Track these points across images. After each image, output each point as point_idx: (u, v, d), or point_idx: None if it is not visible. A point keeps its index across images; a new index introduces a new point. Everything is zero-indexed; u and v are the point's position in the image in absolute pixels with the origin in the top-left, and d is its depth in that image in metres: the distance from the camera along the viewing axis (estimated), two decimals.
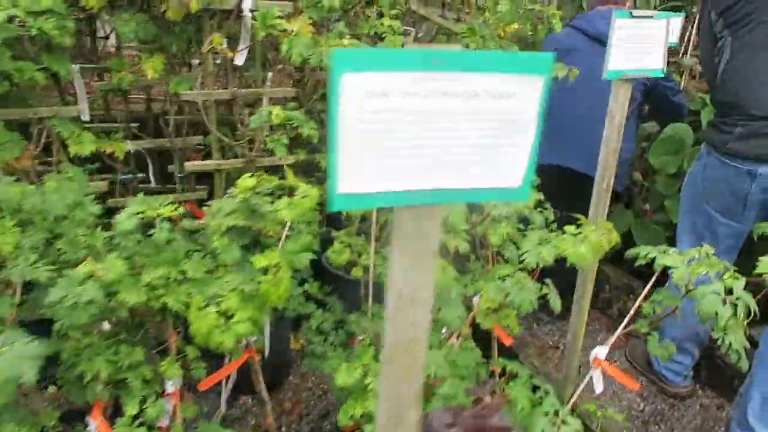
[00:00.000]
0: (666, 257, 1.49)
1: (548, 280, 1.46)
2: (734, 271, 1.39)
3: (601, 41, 2.59)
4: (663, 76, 2.66)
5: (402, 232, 0.62)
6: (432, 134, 0.58)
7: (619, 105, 1.50)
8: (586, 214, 2.97)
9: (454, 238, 1.40)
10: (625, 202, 3.20)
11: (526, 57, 0.59)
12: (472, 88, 0.58)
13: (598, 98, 2.67)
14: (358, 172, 0.57)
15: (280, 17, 1.73)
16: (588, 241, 1.10)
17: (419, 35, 2.39)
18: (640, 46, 1.46)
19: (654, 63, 1.50)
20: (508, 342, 1.92)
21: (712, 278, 1.36)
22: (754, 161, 1.93)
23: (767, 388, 2.12)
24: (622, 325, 1.62)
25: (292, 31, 1.74)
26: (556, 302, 1.33)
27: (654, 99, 2.81)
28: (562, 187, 3.01)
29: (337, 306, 1.93)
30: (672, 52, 3.62)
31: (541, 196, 2.39)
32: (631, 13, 1.39)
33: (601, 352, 1.67)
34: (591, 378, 1.71)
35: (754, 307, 1.30)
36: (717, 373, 2.66)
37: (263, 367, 1.62)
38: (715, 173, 2.10)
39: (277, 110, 1.68)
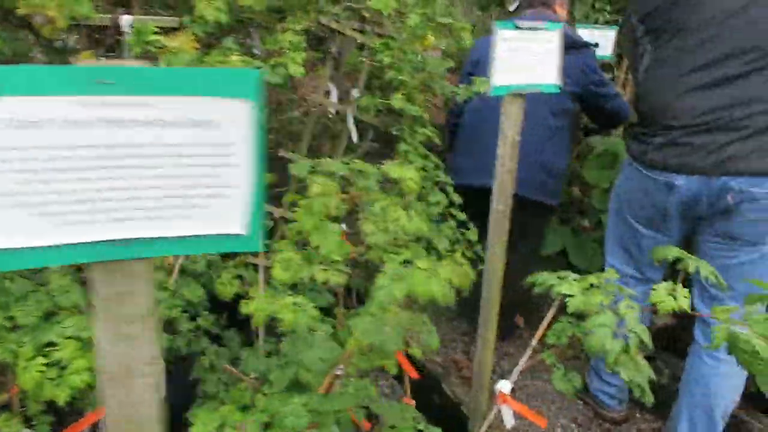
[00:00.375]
0: (563, 284, 1.39)
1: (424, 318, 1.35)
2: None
3: None
4: (595, 82, 2.64)
5: (100, 295, 0.50)
6: (109, 174, 0.46)
7: (511, 122, 1.41)
8: (520, 236, 2.92)
9: (326, 271, 1.28)
10: (562, 218, 3.13)
11: (226, 75, 0.47)
12: (159, 115, 0.46)
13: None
14: (6, 223, 0.45)
15: (158, 33, 1.60)
16: (438, 278, 0.99)
17: (331, 50, 2.28)
18: (529, 59, 1.37)
19: (547, 77, 1.41)
20: (413, 375, 1.81)
21: (606, 308, 1.27)
22: (672, 172, 1.86)
23: (694, 412, 2.04)
24: (525, 356, 1.52)
25: (174, 48, 1.61)
26: (431, 339, 1.21)
27: (587, 107, 2.75)
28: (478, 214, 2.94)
29: (234, 340, 1.79)
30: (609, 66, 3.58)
31: (463, 216, 2.31)
32: (516, 24, 1.30)
33: (504, 386, 1.57)
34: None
35: (647, 340, 1.21)
36: (656, 396, 2.57)
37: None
38: (636, 185, 2.03)
39: None
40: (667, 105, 1.85)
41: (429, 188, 2.23)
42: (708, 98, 1.76)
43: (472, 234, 2.33)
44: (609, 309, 1.25)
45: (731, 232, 1.86)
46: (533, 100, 2.56)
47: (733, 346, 1.11)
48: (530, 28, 1.30)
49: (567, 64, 2.54)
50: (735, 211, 1.80)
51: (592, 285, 1.39)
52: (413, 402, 1.93)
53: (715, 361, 2.01)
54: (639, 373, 1.22)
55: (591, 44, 2.53)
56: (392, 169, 1.39)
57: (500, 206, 1.49)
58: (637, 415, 2.59)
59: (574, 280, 1.43)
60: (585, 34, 2.71)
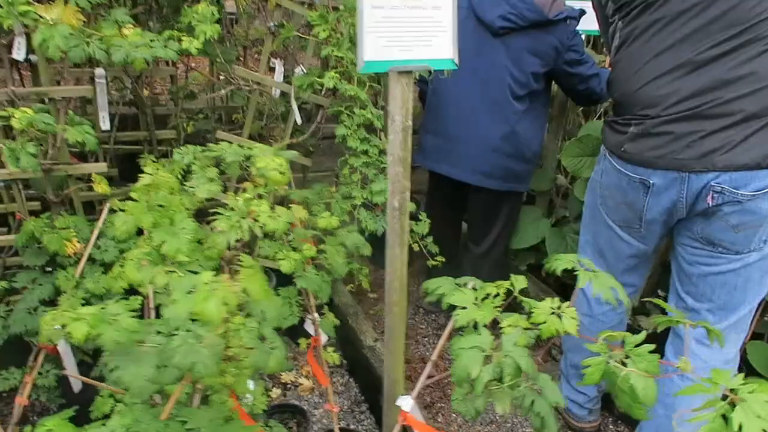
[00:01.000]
0: (455, 295, 1.19)
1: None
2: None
3: (483, 21, 2.29)
4: (569, 61, 2.36)
5: None
6: None
7: (398, 105, 1.20)
8: (484, 227, 2.69)
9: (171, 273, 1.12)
10: (543, 209, 2.88)
11: None
12: None
13: (477, 86, 2.37)
14: None
15: (30, 2, 1.46)
16: (216, 297, 0.82)
17: (269, 25, 2.09)
18: (413, 28, 1.16)
19: (440, 51, 1.19)
20: (324, 383, 1.65)
21: (480, 327, 1.06)
22: (648, 167, 1.60)
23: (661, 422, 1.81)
24: (424, 374, 1.33)
25: (52, 20, 1.47)
26: (264, 360, 1.04)
27: (560, 86, 2.49)
28: (448, 196, 2.72)
29: None
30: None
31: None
32: None
33: (404, 403, 1.38)
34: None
35: (525, 365, 1.00)
36: None
37: None
38: (612, 180, 1.78)
39: (19, 113, 1.42)
40: (640, 89, 1.59)
41: (372, 176, 2.05)
42: (689, 80, 1.49)
43: (422, 227, 2.13)
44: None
45: (711, 238, 1.60)
46: (486, 83, 2.33)
47: (611, 384, 0.90)
48: None
49: (537, 42, 2.29)
50: (715, 214, 1.55)
51: (488, 295, 1.19)
52: (336, 408, 1.77)
53: (684, 381, 1.77)
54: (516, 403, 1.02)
55: (573, 16, 2.25)
56: (259, 158, 1.21)
57: (395, 202, 1.29)
58: (610, 426, 2.37)
59: (474, 288, 1.23)
60: (575, 3, 2.42)
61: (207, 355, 0.94)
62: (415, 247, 2.08)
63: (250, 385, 1.48)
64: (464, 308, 1.15)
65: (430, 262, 2.12)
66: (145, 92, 2.23)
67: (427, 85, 2.61)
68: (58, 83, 1.72)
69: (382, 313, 3.00)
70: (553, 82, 2.45)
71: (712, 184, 1.49)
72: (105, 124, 2.16)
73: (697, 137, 1.49)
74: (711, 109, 1.47)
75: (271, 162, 1.20)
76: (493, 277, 2.71)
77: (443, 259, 2.15)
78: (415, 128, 3.31)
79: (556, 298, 1.03)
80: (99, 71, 2.06)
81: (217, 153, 1.44)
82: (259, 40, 2.52)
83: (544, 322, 0.98)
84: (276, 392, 2.33)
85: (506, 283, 1.20)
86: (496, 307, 1.14)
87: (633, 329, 2.42)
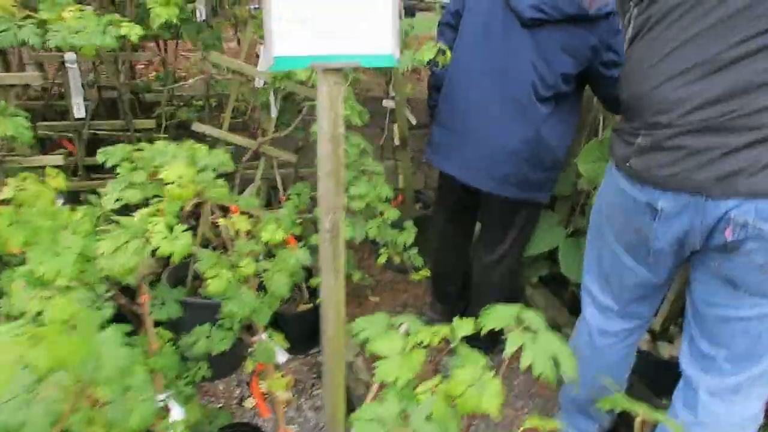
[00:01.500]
0: (381, 341, 0.99)
1: None
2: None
3: (512, 8, 1.98)
4: (606, 62, 2.07)
5: None
6: None
7: (325, 109, 0.99)
8: (498, 234, 2.44)
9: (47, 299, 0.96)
10: (561, 216, 2.60)
11: None
12: None
13: (497, 81, 2.09)
14: None
15: None
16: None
17: (250, 7, 1.91)
18: (342, 17, 0.94)
19: (377, 44, 0.97)
20: (264, 414, 1.47)
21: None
22: (655, 187, 1.34)
23: None
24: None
25: None
26: (141, 414, 0.86)
27: (592, 88, 2.19)
28: (459, 197, 2.45)
29: None
30: None
31: (394, 214, 1.89)
32: None
33: None
34: None
35: None
36: None
37: None
38: (616, 199, 1.52)
39: None
40: (651, 92, 1.32)
41: (351, 178, 1.85)
42: (711, 82, 1.21)
43: (406, 235, 1.92)
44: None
45: (731, 277, 1.32)
46: (508, 79, 2.05)
47: None
48: None
49: (572, 39, 1.97)
50: (737, 250, 1.27)
51: (421, 343, 0.98)
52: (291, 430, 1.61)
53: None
54: None
55: (613, 11, 1.94)
56: (166, 170, 1.03)
57: (327, 223, 1.09)
58: None
59: (407, 332, 1.02)
60: None
61: (40, 414, 0.77)
62: (397, 259, 1.87)
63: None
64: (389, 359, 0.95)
65: (414, 276, 1.91)
66: (123, 78, 2.09)
67: (437, 87, 2.33)
68: (7, 69, 1.59)
69: None
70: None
71: (733, 214, 1.22)
72: (79, 112, 2.04)
73: (717, 154, 1.22)
74: (735, 120, 1.19)
75: (173, 172, 1.02)
76: (502, 287, 2.49)
77: (427, 273, 1.93)
78: (423, 123, 3.08)
79: (484, 362, 0.82)
80: (69, 56, 1.93)
81: (150, 154, 1.27)
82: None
83: (462, 395, 0.77)
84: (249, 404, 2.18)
85: (444, 330, 0.99)
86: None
87: (651, 359, 2.14)
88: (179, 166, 1.03)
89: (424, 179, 3.66)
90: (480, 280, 2.51)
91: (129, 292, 1.34)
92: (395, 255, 1.86)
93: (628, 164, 1.40)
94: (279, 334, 1.48)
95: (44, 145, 2.28)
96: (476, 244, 2.62)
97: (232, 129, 2.15)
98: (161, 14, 1.55)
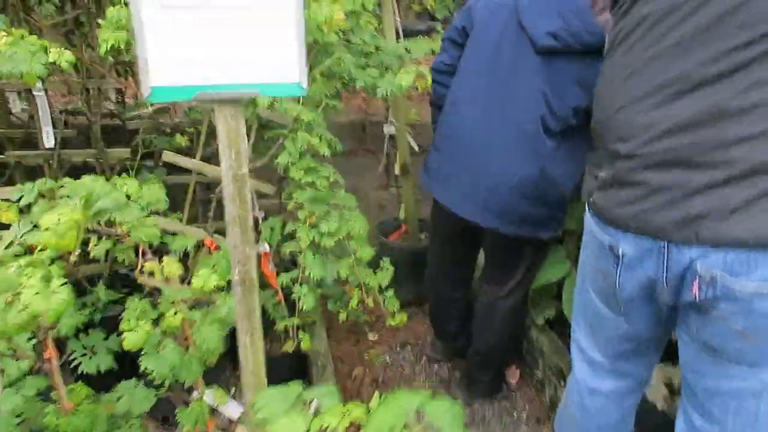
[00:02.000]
0: (282, 422, 0.82)
1: None
2: None
3: (527, 32, 1.80)
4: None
5: None
6: None
7: (224, 145, 0.85)
8: (501, 271, 2.23)
9: None
10: (570, 248, 2.39)
11: None
12: None
13: (502, 109, 1.91)
14: None
15: None
16: None
17: None
18: (238, 40, 0.80)
19: (280, 72, 0.83)
20: None
21: None
22: (616, 228, 1.15)
23: None
24: None
25: None
26: None
27: None
28: (456, 228, 2.24)
29: None
30: None
31: (368, 254, 1.73)
32: None
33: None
34: None
35: None
36: None
37: None
38: (587, 238, 1.33)
39: None
40: (613, 116, 1.14)
41: (322, 214, 1.70)
42: (678, 106, 1.01)
43: (381, 275, 1.76)
44: None
45: (711, 343, 1.10)
46: (514, 107, 1.84)
47: None
48: None
49: (590, 72, 1.69)
50: (710, 312, 1.05)
51: (326, 428, 0.81)
52: None
53: None
54: None
55: None
56: (46, 213, 0.91)
57: (237, 275, 0.94)
58: None
59: (316, 411, 0.85)
60: None
61: None
62: (369, 303, 1.70)
63: None
64: None
65: (390, 321, 1.74)
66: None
67: (443, 87, 2.11)
68: None
69: (369, 364, 2.63)
70: None
71: (699, 266, 1.01)
72: (48, 141, 1.97)
73: (680, 193, 1.01)
74: (703, 153, 0.99)
75: (50, 218, 0.89)
76: (505, 327, 2.27)
77: (404, 318, 1.75)
78: (424, 147, 2.92)
79: None
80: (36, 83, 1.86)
81: (69, 191, 1.15)
82: None
83: None
84: None
85: (358, 411, 0.82)
86: None
87: (667, 418, 1.90)
88: (64, 209, 0.90)
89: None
90: (482, 317, 2.31)
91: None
92: (368, 299, 1.68)
93: (591, 199, 1.22)
94: (220, 391, 1.33)
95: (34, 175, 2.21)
96: (479, 279, 2.43)
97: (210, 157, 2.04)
98: (108, 39, 1.45)
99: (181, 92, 0.80)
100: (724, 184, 0.96)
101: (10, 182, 2.22)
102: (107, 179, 1.84)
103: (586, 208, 1.29)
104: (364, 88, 1.80)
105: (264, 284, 1.81)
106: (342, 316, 1.94)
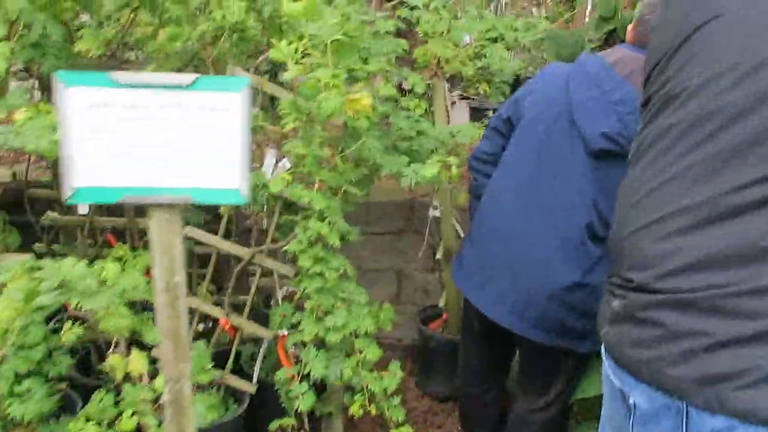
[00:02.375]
0: None
1: None
2: None
3: (580, 131, 1.66)
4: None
5: None
6: None
7: (158, 250, 0.77)
8: (539, 381, 1.99)
9: None
10: None
11: None
12: None
13: (547, 211, 1.75)
14: None
15: None
16: None
17: None
18: (175, 142, 0.73)
19: (220, 177, 0.75)
20: None
21: None
22: (628, 372, 0.95)
23: None
24: None
25: None
26: None
27: None
28: (489, 329, 2.02)
29: None
30: None
31: None
32: (113, 79, 0.69)
33: None
34: None
35: None
36: None
37: None
38: (602, 374, 1.13)
39: None
40: (628, 239, 0.97)
41: (329, 306, 1.59)
42: (704, 235, 0.84)
43: (388, 380, 1.60)
44: None
45: None
46: (558, 211, 1.68)
47: None
48: (147, 86, 0.68)
49: None
50: None
51: None
52: None
53: None
54: None
55: None
56: None
57: (169, 395, 0.83)
58: None
59: None
60: None
61: None
62: (372, 410, 1.54)
63: None
64: None
65: None
66: None
67: (484, 176, 1.97)
68: None
69: None
70: None
71: None
72: (83, 208, 2.01)
73: (701, 344, 0.82)
74: (731, 298, 0.80)
75: None
76: None
77: (409, 430, 1.56)
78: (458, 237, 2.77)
79: None
80: None
81: (45, 273, 1.12)
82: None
83: None
84: None
85: None
86: None
87: None
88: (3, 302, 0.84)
89: None
90: (515, 429, 2.08)
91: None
92: (369, 406, 1.52)
93: (603, 332, 1.03)
94: None
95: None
96: (514, 384, 2.20)
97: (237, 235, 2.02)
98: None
99: (106, 194, 0.73)
100: (755, 340, 0.76)
101: (55, 241, 2.28)
102: (134, 249, 1.84)
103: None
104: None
105: None
106: (354, 408, 1.78)
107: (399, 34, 3.23)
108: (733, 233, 0.80)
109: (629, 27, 1.70)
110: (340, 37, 1.45)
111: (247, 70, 1.84)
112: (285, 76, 1.44)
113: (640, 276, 0.91)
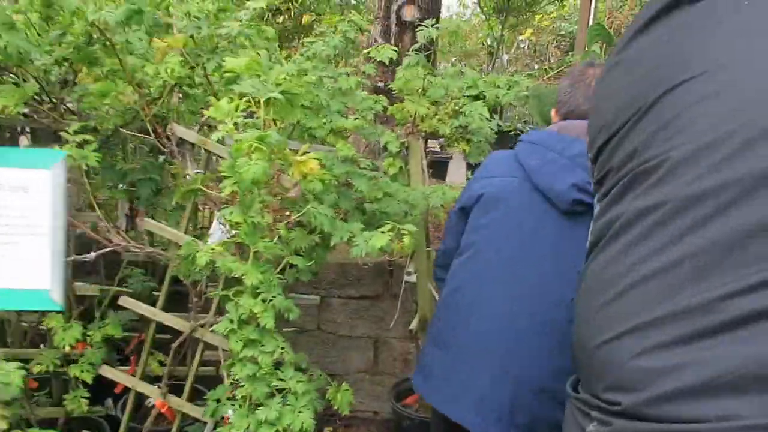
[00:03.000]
0: None
1: None
2: None
3: (545, 193, 1.52)
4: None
5: None
6: None
7: None
8: None
9: None
10: None
11: None
12: None
13: (524, 299, 1.55)
14: None
15: None
16: None
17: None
18: None
19: (26, 277, 0.58)
20: None
21: None
22: None
23: None
24: None
25: None
26: None
27: None
28: None
29: None
30: None
31: None
32: None
33: None
34: None
35: None
36: None
37: None
38: None
39: None
40: (602, 349, 0.77)
41: (262, 396, 1.39)
42: (710, 349, 0.65)
43: None
44: None
45: None
46: (541, 290, 1.49)
47: None
48: None
49: None
50: None
51: None
52: None
53: None
54: None
55: None
56: None
57: None
58: None
59: None
60: None
61: None
62: None
63: None
64: None
65: None
66: None
67: (443, 269, 1.81)
68: None
69: None
70: None
71: None
72: None
73: None
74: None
75: None
76: None
77: None
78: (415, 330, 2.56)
79: None
80: None
81: None
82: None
83: None
84: None
85: None
86: None
87: None
88: None
89: None
90: None
91: None
92: None
93: None
94: None
95: None
96: None
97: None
98: None
99: None
100: None
101: None
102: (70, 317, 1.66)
103: None
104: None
105: None
106: None
107: (378, 90, 3.14)
108: (749, 347, 0.61)
109: (552, 114, 1.63)
110: (275, 95, 1.30)
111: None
112: (213, 137, 1.29)
113: (628, 399, 0.71)
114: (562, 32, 9.90)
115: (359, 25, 1.86)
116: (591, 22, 5.80)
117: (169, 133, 1.58)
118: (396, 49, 2.13)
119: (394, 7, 3.51)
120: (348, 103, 1.97)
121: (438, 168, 5.56)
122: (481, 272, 1.60)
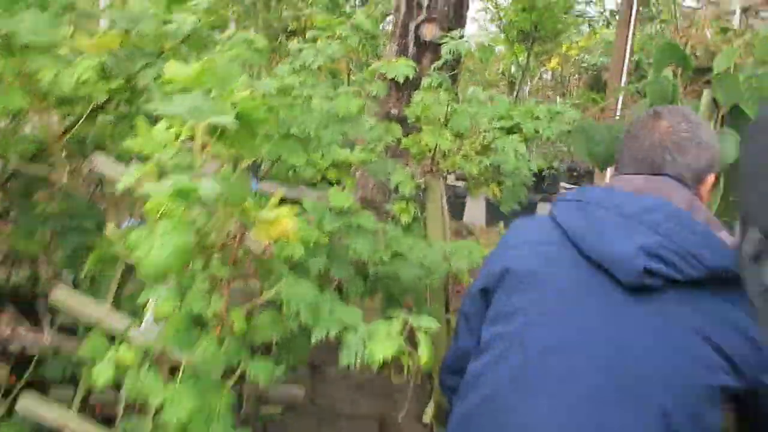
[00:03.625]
0: None
1: None
2: None
3: (600, 261, 0.99)
4: None
5: None
6: None
7: None
8: None
9: None
10: None
11: None
12: None
13: (582, 414, 1.01)
14: None
15: None
16: None
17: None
18: None
19: None
20: None
21: None
22: None
23: None
24: None
25: None
26: None
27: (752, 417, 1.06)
28: None
29: None
30: None
31: None
32: None
33: None
34: None
35: None
36: None
37: None
38: None
39: None
40: None
41: None
42: None
43: None
44: None
45: None
46: (604, 402, 0.94)
47: None
48: None
49: (714, 317, 0.92)
50: None
51: None
52: None
53: None
54: None
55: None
56: None
57: None
58: None
59: None
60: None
61: None
62: None
63: None
64: None
65: None
66: None
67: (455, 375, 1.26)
68: None
69: None
70: None
71: None
72: None
73: None
74: None
75: None
76: None
77: None
78: None
79: None
80: None
81: None
82: None
83: None
84: None
85: None
86: None
87: None
88: None
89: None
90: None
91: None
92: None
93: None
94: None
95: None
96: None
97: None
98: None
99: None
100: None
101: None
102: None
103: None
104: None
105: None
106: None
107: (390, 117, 2.67)
108: None
109: None
110: (221, 119, 0.81)
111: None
112: (118, 186, 0.81)
113: None
114: (584, 64, 9.50)
115: (366, 30, 1.37)
116: (627, 53, 5.34)
117: (83, 166, 1.10)
118: (414, 65, 1.65)
119: (413, 25, 3.06)
120: (348, 132, 1.47)
121: (453, 204, 5.06)
122: (519, 378, 1.07)
